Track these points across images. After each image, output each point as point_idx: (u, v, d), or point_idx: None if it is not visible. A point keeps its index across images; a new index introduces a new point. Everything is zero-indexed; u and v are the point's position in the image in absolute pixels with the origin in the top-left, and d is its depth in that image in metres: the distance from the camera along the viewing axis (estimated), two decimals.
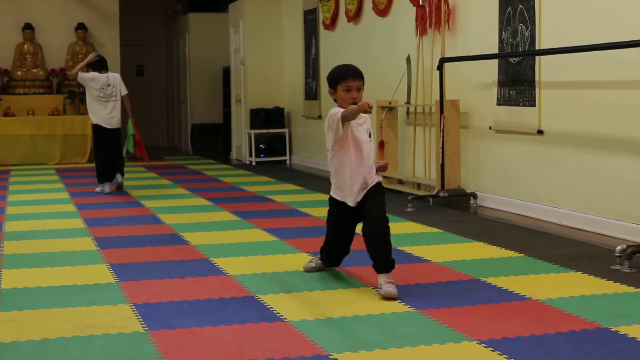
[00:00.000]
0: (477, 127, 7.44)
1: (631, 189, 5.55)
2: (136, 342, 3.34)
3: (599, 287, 4.20)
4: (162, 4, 17.28)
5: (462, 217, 6.81)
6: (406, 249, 5.22)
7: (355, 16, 10.07)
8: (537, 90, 6.54)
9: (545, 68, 6.46)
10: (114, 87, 8.64)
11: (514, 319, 3.61)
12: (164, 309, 3.85)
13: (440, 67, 7.43)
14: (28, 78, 13.40)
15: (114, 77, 8.73)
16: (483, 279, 4.39)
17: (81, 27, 13.78)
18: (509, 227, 6.19)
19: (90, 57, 8.83)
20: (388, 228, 4.12)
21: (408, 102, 8.37)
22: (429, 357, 3.10)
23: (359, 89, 4.23)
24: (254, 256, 5.14)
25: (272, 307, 3.85)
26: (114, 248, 5.46)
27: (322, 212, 6.87)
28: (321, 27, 11.29)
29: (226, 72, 14.70)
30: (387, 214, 4.18)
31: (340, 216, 4.40)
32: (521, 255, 5.07)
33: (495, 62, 7.08)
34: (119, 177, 8.72)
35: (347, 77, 4.22)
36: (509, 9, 6.85)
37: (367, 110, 3.91)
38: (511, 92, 6.87)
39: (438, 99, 7.46)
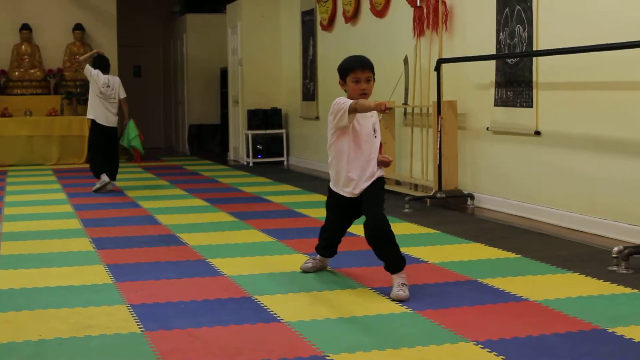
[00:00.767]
0: (475, 128, 7.45)
1: (628, 190, 5.55)
2: (133, 343, 3.33)
3: (596, 288, 4.20)
4: (159, 4, 17.28)
5: (459, 218, 6.81)
6: (403, 249, 5.18)
7: (352, 17, 10.07)
8: (534, 91, 6.54)
9: (543, 69, 6.46)
10: (113, 89, 8.76)
11: (511, 320, 3.61)
12: (160, 310, 3.84)
13: (437, 68, 7.43)
14: (25, 78, 13.40)
15: (114, 79, 8.86)
16: (480, 280, 4.39)
17: (79, 27, 13.78)
18: (506, 228, 6.20)
19: (100, 50, 9.27)
20: (387, 227, 4.08)
21: (405, 103, 8.37)
22: (426, 358, 3.10)
23: (369, 80, 4.19)
24: (251, 257, 5.13)
25: (269, 308, 3.85)
26: (111, 249, 5.46)
27: (319, 213, 6.88)
28: (319, 28, 11.30)
29: (224, 73, 14.69)
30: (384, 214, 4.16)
31: (335, 206, 4.40)
32: (518, 256, 5.07)
33: (493, 63, 7.08)
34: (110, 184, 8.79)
35: (355, 68, 4.19)
36: (507, 9, 6.85)
37: (384, 110, 3.87)
38: (508, 93, 6.88)
39: (435, 99, 7.47)
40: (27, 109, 12.98)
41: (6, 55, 13.57)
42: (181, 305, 3.93)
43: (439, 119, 7.37)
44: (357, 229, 4.56)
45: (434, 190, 7.49)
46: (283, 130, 12.64)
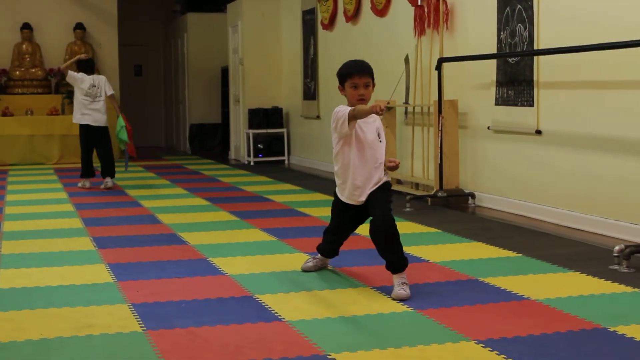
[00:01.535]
0: (476, 127, 7.45)
1: (629, 189, 5.55)
2: (134, 342, 3.33)
3: (597, 287, 4.20)
4: (160, 4, 17.27)
5: (460, 217, 6.81)
6: (404, 249, 5.19)
7: (353, 16, 10.07)
8: (535, 90, 6.54)
9: (544, 68, 6.46)
10: (98, 87, 8.95)
11: (512, 319, 3.61)
12: (162, 309, 3.85)
13: (438, 67, 7.43)
14: (26, 78, 13.40)
15: (99, 78, 9.05)
16: (481, 279, 4.39)
17: (79, 27, 13.78)
18: (507, 227, 6.20)
19: (82, 55, 9.35)
20: (393, 227, 4.07)
21: (406, 102, 8.37)
22: (427, 357, 3.10)
23: (367, 86, 4.14)
24: (252, 256, 5.13)
25: (270, 307, 3.85)
26: (112, 248, 5.46)
27: (321, 212, 6.89)
28: (319, 27, 11.29)
29: (224, 72, 14.69)
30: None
31: (341, 212, 4.39)
32: (519, 255, 5.07)
33: (494, 62, 7.08)
34: (108, 181, 8.90)
35: (353, 73, 4.15)
36: (508, 9, 6.85)
37: (379, 112, 3.85)
38: (509, 92, 6.88)
39: (436, 99, 7.47)
40: (28, 108, 12.98)
41: (7, 54, 13.57)
42: (182, 305, 3.93)
43: (440, 118, 7.37)
44: (358, 228, 4.56)
45: (435, 190, 7.49)
46: (284, 130, 12.64)
